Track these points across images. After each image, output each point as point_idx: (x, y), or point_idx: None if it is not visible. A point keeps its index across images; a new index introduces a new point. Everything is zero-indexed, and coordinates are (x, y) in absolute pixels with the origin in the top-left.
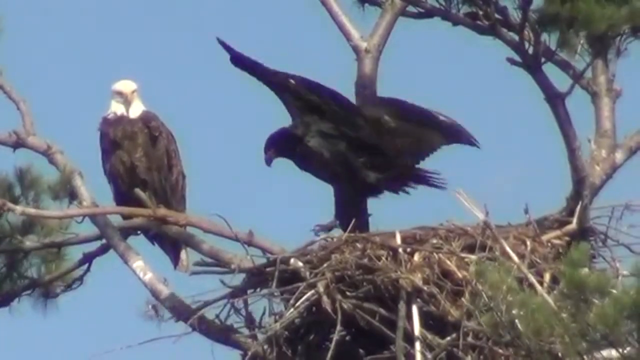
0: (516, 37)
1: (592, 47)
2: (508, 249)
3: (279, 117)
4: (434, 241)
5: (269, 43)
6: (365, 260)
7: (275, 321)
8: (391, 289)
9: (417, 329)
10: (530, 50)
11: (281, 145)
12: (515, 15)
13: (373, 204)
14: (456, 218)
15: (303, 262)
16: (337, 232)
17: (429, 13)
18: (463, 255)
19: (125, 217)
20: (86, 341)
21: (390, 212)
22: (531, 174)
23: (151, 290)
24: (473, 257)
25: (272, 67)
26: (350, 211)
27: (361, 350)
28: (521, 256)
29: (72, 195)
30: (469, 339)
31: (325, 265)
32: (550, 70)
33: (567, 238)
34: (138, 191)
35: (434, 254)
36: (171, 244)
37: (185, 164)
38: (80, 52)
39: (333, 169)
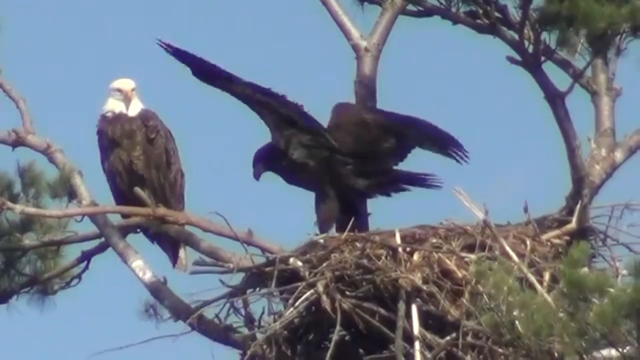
0: (516, 36)
1: (592, 46)
2: (508, 248)
3: None
4: (434, 240)
5: (269, 42)
6: (365, 260)
7: (275, 321)
8: (391, 288)
9: (416, 328)
10: (530, 49)
11: (268, 159)
12: (515, 14)
13: (373, 204)
14: (456, 217)
15: (302, 262)
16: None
17: (428, 12)
18: (463, 254)
19: (125, 215)
20: (84, 339)
21: (390, 211)
22: (531, 173)
23: (150, 289)
24: (473, 256)
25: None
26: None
27: (361, 350)
28: (521, 255)
29: (72, 194)
30: (469, 338)
31: (324, 264)
32: (550, 69)
33: (566, 237)
34: (138, 190)
35: (434, 253)
36: (170, 242)
37: (184, 162)
38: (79, 51)
39: (321, 178)
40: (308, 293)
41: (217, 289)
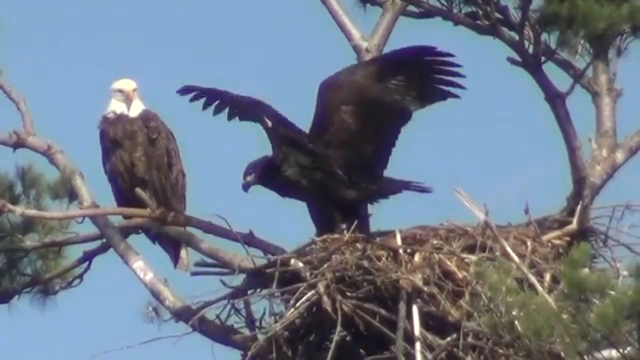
0: (516, 37)
1: (593, 46)
2: (508, 249)
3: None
4: (434, 241)
5: (270, 43)
6: (366, 261)
7: (276, 321)
8: (391, 289)
9: (417, 329)
10: (531, 50)
11: (261, 173)
12: (515, 15)
13: (374, 205)
14: (456, 218)
15: (303, 263)
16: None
17: (429, 13)
18: (463, 255)
19: (126, 216)
20: (86, 340)
21: (391, 212)
22: (531, 173)
23: (151, 290)
24: (473, 257)
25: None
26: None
27: (361, 351)
28: (522, 256)
29: (72, 195)
30: (469, 339)
31: (325, 265)
32: (551, 70)
33: (567, 238)
34: (139, 190)
35: (435, 254)
36: (172, 243)
37: (185, 163)
38: (80, 51)
39: (313, 195)
40: (309, 294)
41: (219, 290)
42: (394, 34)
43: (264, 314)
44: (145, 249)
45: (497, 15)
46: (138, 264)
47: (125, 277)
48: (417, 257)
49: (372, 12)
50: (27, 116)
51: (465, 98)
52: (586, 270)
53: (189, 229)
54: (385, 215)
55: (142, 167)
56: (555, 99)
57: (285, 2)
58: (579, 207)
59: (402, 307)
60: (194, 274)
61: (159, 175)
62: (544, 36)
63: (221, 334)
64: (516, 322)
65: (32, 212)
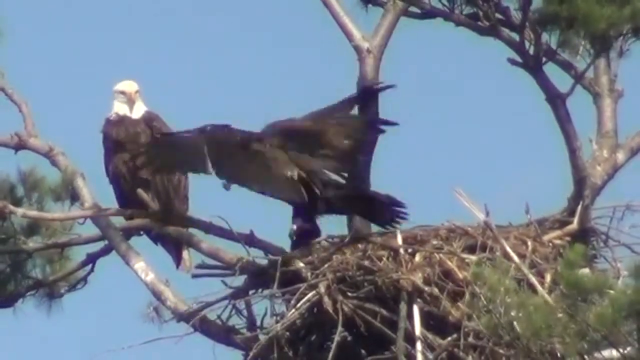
0: (517, 38)
1: (594, 47)
2: (509, 249)
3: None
4: (435, 241)
5: (271, 43)
6: (366, 261)
7: (277, 322)
8: (392, 289)
9: (418, 329)
10: (531, 51)
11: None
12: (516, 16)
13: None
14: (457, 218)
15: (304, 263)
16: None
17: (430, 14)
18: (464, 255)
19: (128, 217)
20: (89, 341)
21: None
22: (532, 174)
23: (153, 291)
24: (474, 257)
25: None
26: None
27: (362, 351)
28: (522, 256)
29: (74, 197)
30: (470, 339)
31: (326, 265)
32: (551, 70)
33: (568, 238)
34: (141, 192)
35: (435, 254)
36: (173, 244)
37: None
38: (81, 53)
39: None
40: (310, 294)
41: (220, 291)
42: (395, 34)
43: (265, 314)
44: (147, 249)
45: (498, 16)
46: (139, 265)
47: (127, 278)
48: (417, 257)
49: (374, 13)
50: (29, 118)
51: (465, 98)
52: (586, 270)
53: (190, 230)
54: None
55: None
56: (556, 100)
57: (286, 3)
58: (579, 207)
59: (402, 307)
60: (194, 276)
61: (161, 176)
62: (545, 37)
63: (222, 335)
64: (515, 322)
65: (33, 213)
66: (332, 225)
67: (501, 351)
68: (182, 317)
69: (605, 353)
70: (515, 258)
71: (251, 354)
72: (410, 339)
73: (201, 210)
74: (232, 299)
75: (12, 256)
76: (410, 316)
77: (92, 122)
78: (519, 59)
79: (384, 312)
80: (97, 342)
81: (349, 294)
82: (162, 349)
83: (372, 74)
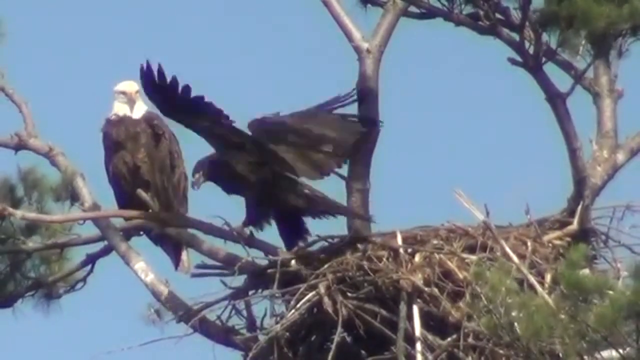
0: (517, 37)
1: (593, 47)
2: (508, 250)
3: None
4: (435, 242)
5: (271, 44)
6: (366, 261)
7: (277, 322)
8: (392, 289)
9: (417, 329)
10: (531, 50)
11: (210, 169)
12: (515, 15)
13: (374, 206)
14: (457, 218)
15: (304, 263)
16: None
17: (430, 13)
18: (464, 255)
19: (127, 218)
20: (88, 342)
21: (391, 213)
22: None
23: (152, 291)
24: (474, 257)
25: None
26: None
27: (362, 351)
28: (522, 257)
29: (74, 197)
30: (470, 339)
31: (326, 266)
32: (551, 70)
33: (568, 239)
34: (141, 192)
35: (435, 254)
36: (173, 244)
37: (187, 165)
38: (82, 54)
39: (258, 194)
40: (310, 294)
41: (219, 291)
42: (395, 34)
43: (264, 314)
44: (147, 250)
45: (498, 15)
46: (139, 265)
47: (126, 279)
48: (417, 258)
49: (373, 13)
50: (29, 118)
51: (465, 98)
52: (586, 270)
53: (190, 230)
54: (386, 215)
55: (145, 169)
56: (555, 100)
57: (286, 3)
58: (579, 208)
59: (402, 307)
60: (194, 275)
61: (161, 176)
62: (545, 37)
63: (222, 335)
64: (515, 323)
65: (32, 215)
66: (332, 226)
67: (501, 351)
68: (182, 317)
69: (605, 354)
70: (515, 258)
71: (251, 354)
72: (410, 339)
73: (201, 211)
74: (232, 300)
75: (11, 256)
76: (410, 316)
77: (92, 122)
78: (519, 59)
79: (384, 312)
80: (97, 343)
81: (349, 294)
82: (162, 350)
83: (372, 74)
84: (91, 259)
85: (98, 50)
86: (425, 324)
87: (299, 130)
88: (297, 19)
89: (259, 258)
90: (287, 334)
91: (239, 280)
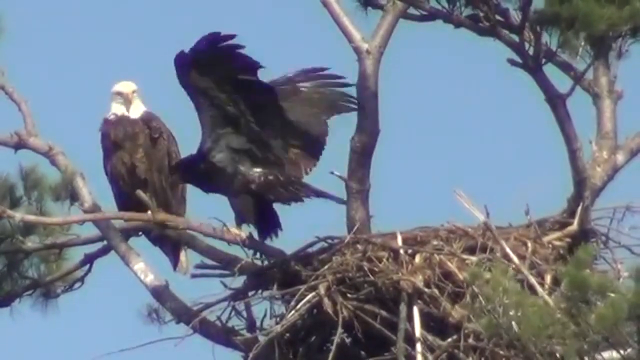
0: (517, 39)
1: (593, 48)
2: (508, 250)
3: None
4: (435, 242)
5: (271, 44)
6: (366, 262)
7: (277, 323)
8: (392, 290)
9: (418, 330)
10: (531, 51)
11: (184, 168)
12: (515, 17)
13: (374, 206)
14: (457, 219)
15: (304, 264)
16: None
17: (430, 15)
18: (464, 256)
19: (127, 220)
20: (87, 342)
21: (391, 213)
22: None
23: (152, 292)
24: (474, 258)
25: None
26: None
27: (362, 352)
28: (522, 257)
29: (74, 197)
30: (470, 340)
31: (326, 267)
32: (552, 71)
33: (568, 239)
34: (139, 192)
35: (435, 255)
36: (171, 245)
37: None
38: (81, 53)
39: (234, 188)
40: (310, 295)
41: (219, 292)
42: (395, 35)
43: (264, 315)
44: (146, 250)
45: (498, 17)
46: (139, 266)
47: (126, 280)
48: (417, 258)
49: (373, 14)
50: (29, 117)
51: (465, 99)
52: (587, 271)
53: (189, 231)
54: (386, 216)
55: (143, 169)
56: (555, 101)
57: (286, 4)
58: (579, 209)
59: (402, 308)
60: (194, 276)
61: (159, 177)
62: (545, 38)
63: (222, 336)
64: (515, 323)
65: (32, 217)
66: (332, 226)
67: (501, 352)
68: (182, 318)
69: (605, 354)
70: (515, 259)
71: (251, 355)
72: (410, 340)
73: (200, 212)
74: (232, 300)
75: (9, 255)
76: (410, 317)
77: (92, 122)
78: (518, 60)
79: (384, 313)
80: (95, 343)
81: (349, 295)
82: (162, 351)
83: (372, 75)
84: (89, 259)
85: (98, 50)
86: (425, 325)
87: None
88: (296, 20)
89: (259, 259)
90: (287, 334)
91: (238, 281)
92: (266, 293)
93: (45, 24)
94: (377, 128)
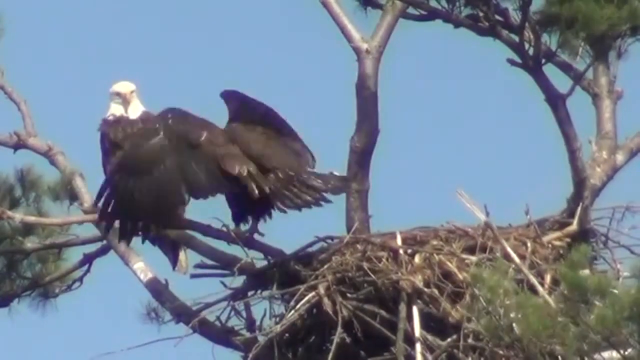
0: (516, 39)
1: (593, 48)
2: (509, 250)
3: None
4: (435, 242)
5: (270, 44)
6: (366, 262)
7: (276, 323)
8: (392, 290)
9: (417, 330)
10: (531, 52)
11: None
12: (515, 17)
13: (373, 206)
14: (457, 219)
15: (303, 264)
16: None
17: (430, 15)
18: (464, 256)
19: None
20: (86, 342)
21: (391, 213)
22: (532, 174)
23: (152, 291)
24: (474, 258)
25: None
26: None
27: (362, 352)
28: (522, 257)
29: (73, 197)
30: (470, 340)
31: (325, 267)
32: (551, 71)
33: (567, 239)
34: None
35: (435, 255)
36: (171, 245)
37: None
38: (81, 53)
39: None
40: (309, 295)
41: (219, 292)
42: (395, 35)
43: (264, 315)
44: (146, 250)
45: (497, 17)
46: (138, 265)
47: (125, 279)
48: (417, 258)
49: (372, 14)
50: (28, 117)
51: (465, 99)
52: (587, 271)
53: (189, 231)
54: (385, 216)
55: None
56: (555, 101)
57: (285, 4)
58: (579, 209)
59: (402, 308)
60: (193, 276)
61: None
62: (544, 38)
63: (221, 336)
64: (514, 323)
65: (31, 218)
66: (331, 226)
67: (501, 352)
68: (181, 318)
69: (605, 354)
70: (516, 259)
71: (250, 355)
72: (410, 340)
73: (200, 213)
74: (231, 300)
75: (8, 256)
76: (409, 317)
77: (91, 122)
78: (518, 60)
79: (384, 313)
80: (94, 343)
81: (349, 295)
82: (161, 351)
83: (372, 75)
84: (88, 259)
85: (98, 50)
86: (425, 325)
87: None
88: (296, 20)
89: (258, 259)
90: (287, 334)
91: (238, 281)
92: (266, 293)
93: (45, 24)
94: (376, 128)
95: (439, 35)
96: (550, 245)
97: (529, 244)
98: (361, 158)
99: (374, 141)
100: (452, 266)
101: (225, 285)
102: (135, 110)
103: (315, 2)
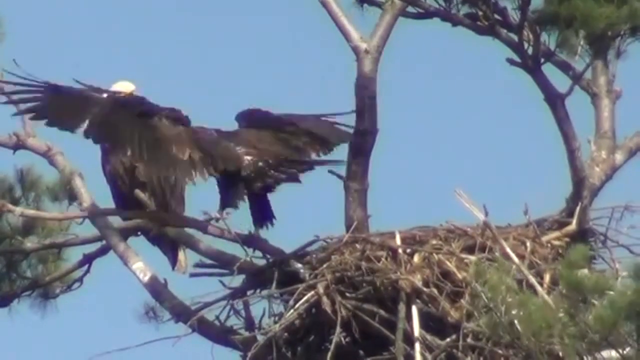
0: (515, 38)
1: (592, 47)
2: (508, 250)
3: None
4: (434, 242)
5: (269, 44)
6: (365, 261)
7: (275, 322)
8: (391, 290)
9: (416, 330)
10: (530, 51)
11: None
12: (514, 16)
13: (373, 206)
14: (456, 219)
15: (303, 264)
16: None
17: (428, 14)
18: (463, 256)
19: (125, 218)
20: (86, 342)
21: (390, 212)
22: (531, 174)
23: (151, 291)
24: (473, 257)
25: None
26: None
27: (361, 352)
28: (521, 257)
29: (72, 197)
30: (469, 340)
31: (324, 266)
32: (550, 71)
33: (566, 239)
34: (138, 192)
35: (434, 254)
36: (170, 245)
37: None
38: (80, 53)
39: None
40: (308, 295)
41: (218, 291)
42: (393, 34)
43: (263, 314)
44: (145, 250)
45: (496, 16)
46: (138, 265)
47: (124, 279)
48: (416, 258)
49: (371, 13)
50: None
51: (464, 98)
52: (585, 271)
53: (188, 230)
54: (384, 215)
55: (142, 169)
56: (554, 100)
57: (284, 4)
58: (578, 208)
59: (401, 307)
60: (192, 275)
61: (158, 177)
62: (544, 37)
63: (220, 335)
64: (515, 322)
65: (31, 211)
66: (331, 226)
67: (500, 352)
68: (180, 317)
69: (605, 354)
70: (515, 258)
71: (249, 354)
72: (409, 339)
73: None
74: (231, 300)
75: (7, 256)
76: (409, 317)
77: None
78: (517, 59)
79: (383, 312)
80: (94, 343)
81: (348, 294)
82: (160, 350)
83: (371, 74)
84: (88, 259)
85: (97, 50)
86: (424, 325)
87: (286, 122)
88: (295, 20)
89: (258, 258)
90: (286, 334)
91: (237, 280)
92: (265, 292)
93: (45, 24)
94: (375, 127)
95: (438, 35)
96: (549, 245)
97: (528, 244)
98: (360, 157)
99: (372, 140)
100: (451, 266)
101: (224, 285)
102: None
103: (314, 1)
